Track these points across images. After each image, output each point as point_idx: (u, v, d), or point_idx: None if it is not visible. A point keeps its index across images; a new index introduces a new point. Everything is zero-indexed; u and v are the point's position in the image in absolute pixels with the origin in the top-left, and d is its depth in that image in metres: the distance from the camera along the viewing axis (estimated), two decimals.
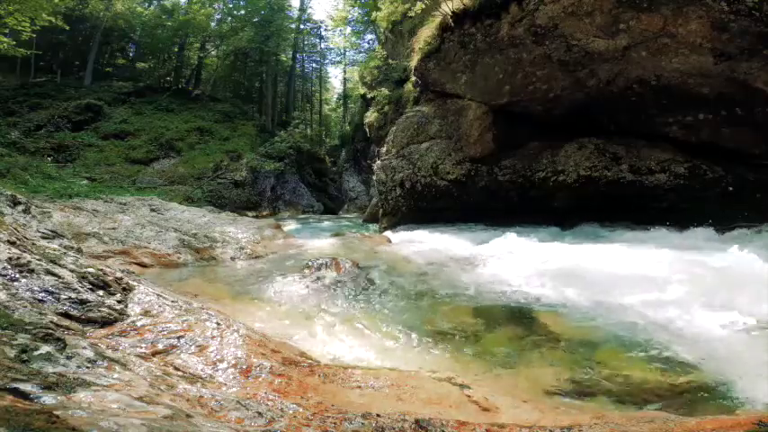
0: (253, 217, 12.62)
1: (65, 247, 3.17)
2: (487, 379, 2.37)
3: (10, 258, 1.93)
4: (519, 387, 2.27)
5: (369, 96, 18.35)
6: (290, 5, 31.09)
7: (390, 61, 18.40)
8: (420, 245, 7.03)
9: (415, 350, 2.81)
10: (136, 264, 4.92)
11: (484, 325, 3.28)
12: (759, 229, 5.55)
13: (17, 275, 1.85)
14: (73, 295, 1.91)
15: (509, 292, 4.00)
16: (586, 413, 1.90)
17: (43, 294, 1.82)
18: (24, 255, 2.03)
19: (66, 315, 1.78)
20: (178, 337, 1.91)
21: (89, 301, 1.93)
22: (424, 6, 9.25)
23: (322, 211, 21.76)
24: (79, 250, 3.98)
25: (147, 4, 27.99)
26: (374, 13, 12.65)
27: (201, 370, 1.72)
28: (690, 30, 5.83)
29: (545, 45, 7.00)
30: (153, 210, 8.12)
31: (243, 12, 27.92)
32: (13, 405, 0.92)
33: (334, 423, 1.38)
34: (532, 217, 7.91)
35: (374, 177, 10.93)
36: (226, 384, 1.65)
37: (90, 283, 2.11)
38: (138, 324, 1.97)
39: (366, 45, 31.13)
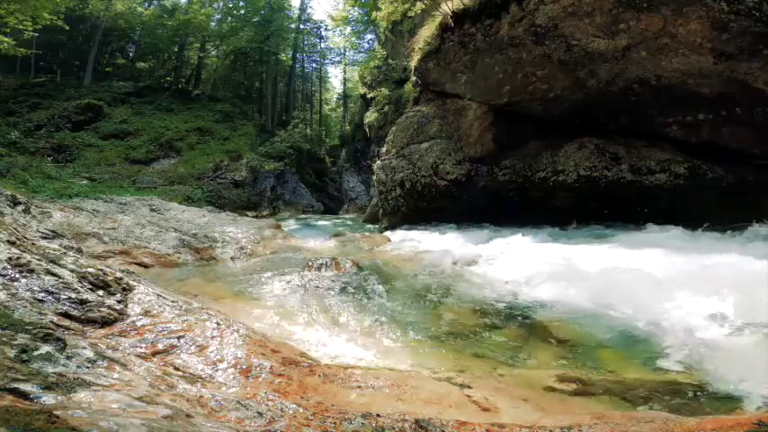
0: (253, 217, 12.62)
1: (65, 247, 3.17)
2: (487, 379, 2.37)
3: (10, 258, 1.93)
4: (519, 387, 2.27)
5: (369, 96, 18.36)
6: (290, 5, 31.15)
7: (390, 61, 18.42)
8: (420, 245, 7.04)
9: (416, 350, 2.81)
10: (136, 264, 4.92)
11: (484, 325, 3.28)
12: (759, 228, 5.55)
13: (17, 275, 1.85)
14: (73, 295, 1.91)
15: (509, 292, 4.00)
16: (586, 413, 1.90)
17: (43, 294, 1.82)
18: (24, 255, 2.03)
19: (66, 315, 1.78)
20: (178, 337, 1.91)
21: (89, 301, 1.93)
22: (424, 6, 9.25)
23: (322, 211, 21.78)
24: (79, 250, 3.99)
25: (147, 4, 27.99)
26: (374, 13, 12.65)
27: (201, 370, 1.72)
28: (690, 30, 5.83)
29: (545, 45, 7.00)
30: (153, 210, 8.12)
31: (243, 12, 27.93)
32: (13, 405, 0.92)
33: (335, 423, 1.38)
34: (532, 217, 7.91)
35: (374, 177, 10.93)
36: (226, 384, 1.65)
37: (90, 283, 2.11)
38: (138, 324, 1.97)
39: (366, 45, 31.18)
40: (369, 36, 29.78)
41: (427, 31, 9.16)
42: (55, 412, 0.89)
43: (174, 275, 4.69)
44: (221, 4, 27.85)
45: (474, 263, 5.24)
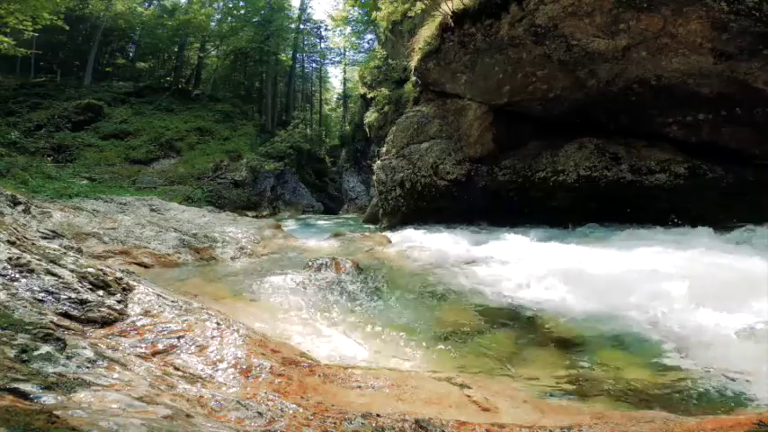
0: (253, 217, 12.62)
1: (65, 247, 3.17)
2: (487, 379, 2.37)
3: (10, 258, 1.93)
4: (519, 387, 2.27)
5: (369, 96, 18.36)
6: (290, 5, 31.15)
7: (390, 61, 18.42)
8: (420, 245, 7.03)
9: (415, 350, 2.81)
10: (136, 264, 4.92)
11: (484, 325, 3.28)
12: (759, 228, 5.55)
13: (17, 275, 1.85)
14: (73, 295, 1.91)
15: (509, 292, 4.00)
16: (586, 413, 1.90)
17: (43, 294, 1.82)
18: (24, 255, 2.03)
19: (66, 315, 1.78)
20: (178, 337, 1.91)
21: (89, 301, 1.93)
22: (424, 6, 9.25)
23: (322, 211, 21.78)
24: (79, 250, 3.99)
25: (147, 4, 28.00)
26: (374, 13, 12.66)
27: (201, 370, 1.72)
28: (690, 30, 5.84)
29: (545, 45, 7.00)
30: (153, 210, 8.12)
31: (243, 12, 27.94)
32: (13, 405, 0.92)
33: (334, 423, 1.38)
34: (532, 217, 7.91)
35: (374, 177, 10.93)
36: (226, 384, 1.65)
37: (90, 283, 2.11)
38: (138, 324, 1.97)
39: (366, 45, 31.20)
40: (369, 36, 29.81)
41: (427, 31, 9.16)
42: (55, 412, 0.89)
43: (174, 275, 4.69)
44: (221, 4, 27.86)
45: (474, 263, 5.24)
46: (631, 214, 6.89)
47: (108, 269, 2.39)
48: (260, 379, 1.75)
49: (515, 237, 6.55)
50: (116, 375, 1.37)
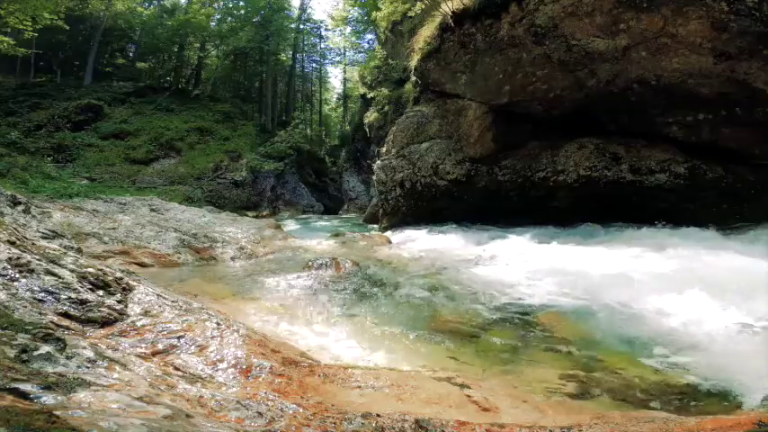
0: (253, 217, 12.62)
1: (65, 247, 3.17)
2: (487, 379, 2.37)
3: (10, 258, 1.93)
4: (519, 387, 2.27)
5: (369, 96, 18.34)
6: (290, 5, 31.12)
7: (390, 61, 18.39)
8: (420, 245, 7.04)
9: (415, 350, 2.81)
10: (136, 264, 4.92)
11: (484, 325, 3.28)
12: (759, 228, 5.55)
13: (17, 275, 1.85)
14: (73, 295, 1.91)
15: (509, 291, 4.00)
16: (586, 413, 1.90)
17: (43, 294, 1.82)
18: (24, 255, 2.03)
19: (66, 315, 1.78)
20: (178, 337, 1.91)
21: (89, 301, 1.93)
22: (423, 6, 9.25)
23: (322, 211, 21.78)
24: (79, 250, 3.98)
25: (147, 4, 27.97)
26: (374, 13, 12.68)
27: (201, 370, 1.72)
28: (690, 30, 5.83)
29: (545, 45, 7.00)
30: (153, 210, 8.12)
31: (243, 12, 27.92)
32: (13, 405, 0.92)
33: (334, 423, 1.38)
34: (532, 217, 7.91)
35: (374, 177, 10.94)
36: (226, 384, 1.65)
37: (90, 283, 2.11)
38: (138, 324, 1.97)
39: (366, 45, 31.13)
40: (369, 36, 29.76)
41: (427, 31, 9.16)
42: (55, 412, 0.89)
43: (174, 275, 4.69)
44: (221, 4, 27.85)
45: (474, 263, 5.24)
46: (631, 214, 6.89)
47: (108, 269, 2.39)
48: (260, 379, 1.75)
49: (515, 237, 6.55)
50: (116, 375, 1.37)
